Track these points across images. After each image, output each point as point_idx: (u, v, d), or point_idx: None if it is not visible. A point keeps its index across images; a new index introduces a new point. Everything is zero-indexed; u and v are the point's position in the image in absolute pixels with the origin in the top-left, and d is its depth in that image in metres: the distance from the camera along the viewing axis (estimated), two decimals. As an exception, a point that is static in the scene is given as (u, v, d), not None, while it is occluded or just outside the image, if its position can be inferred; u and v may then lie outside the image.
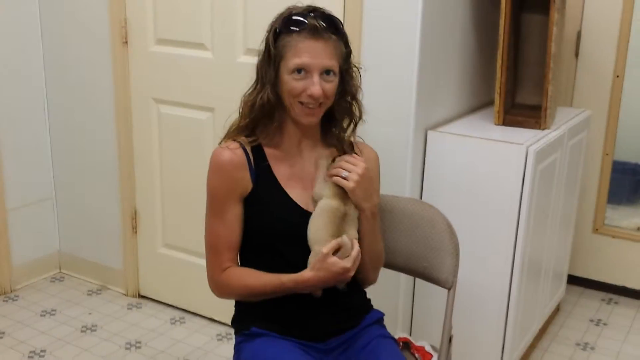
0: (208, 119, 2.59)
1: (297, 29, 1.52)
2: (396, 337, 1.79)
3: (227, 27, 2.46)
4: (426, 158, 2.26)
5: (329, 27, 1.54)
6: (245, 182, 1.60)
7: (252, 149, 1.62)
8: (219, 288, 1.65)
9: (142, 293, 3.00)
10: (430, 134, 2.26)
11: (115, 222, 2.98)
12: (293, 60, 1.52)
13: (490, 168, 2.16)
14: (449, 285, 1.77)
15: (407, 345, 1.81)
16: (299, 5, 1.59)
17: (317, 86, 1.52)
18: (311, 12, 1.54)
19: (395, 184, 2.17)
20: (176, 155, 2.73)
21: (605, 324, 2.90)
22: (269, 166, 1.62)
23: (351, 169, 1.58)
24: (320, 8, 1.58)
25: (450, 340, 1.76)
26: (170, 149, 2.75)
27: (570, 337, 2.79)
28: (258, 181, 1.61)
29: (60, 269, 3.22)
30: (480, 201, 2.19)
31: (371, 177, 1.61)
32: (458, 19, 2.37)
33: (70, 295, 3.00)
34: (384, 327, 1.72)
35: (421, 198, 2.29)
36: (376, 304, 1.79)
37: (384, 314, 1.74)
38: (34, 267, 3.12)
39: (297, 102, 1.55)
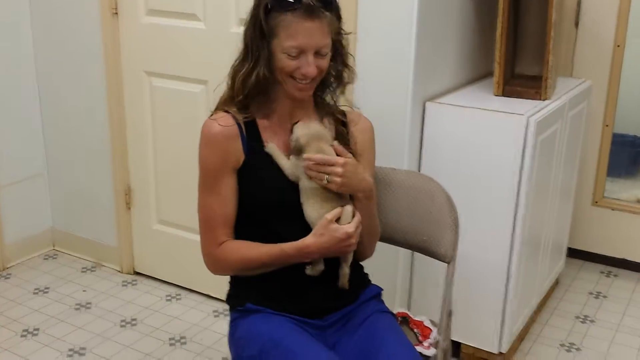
0: (201, 92, 2.54)
1: (291, 8, 1.46)
2: (395, 312, 1.76)
3: (220, -3, 2.40)
4: (424, 130, 2.22)
5: (324, 3, 1.48)
6: (237, 153, 1.56)
7: (244, 117, 1.58)
8: (215, 263, 1.61)
9: (137, 270, 2.96)
10: (428, 105, 2.21)
11: (108, 198, 2.93)
12: (288, 41, 1.47)
13: (490, 139, 2.12)
14: (448, 259, 1.73)
15: (405, 320, 1.78)
16: None
17: (312, 66, 1.49)
18: None
19: (393, 156, 2.13)
20: (169, 129, 2.68)
21: (604, 297, 2.88)
22: (260, 137, 1.57)
23: (329, 170, 1.50)
24: None
25: (449, 315, 1.73)
26: (164, 123, 2.69)
27: (570, 310, 2.77)
28: (250, 152, 1.57)
29: (53, 246, 3.18)
30: (479, 173, 2.15)
31: (355, 164, 1.54)
32: (457, -13, 2.31)
33: (64, 272, 2.97)
34: (382, 302, 1.68)
35: (419, 170, 2.24)
36: (374, 278, 1.75)
37: (382, 289, 1.70)
38: (26, 244, 3.07)
39: (290, 78, 1.52)
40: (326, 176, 1.50)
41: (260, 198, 1.56)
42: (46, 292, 2.79)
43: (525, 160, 2.09)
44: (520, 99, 2.29)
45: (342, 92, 1.67)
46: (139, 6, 2.60)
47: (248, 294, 1.60)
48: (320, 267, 1.55)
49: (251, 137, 1.57)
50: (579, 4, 2.92)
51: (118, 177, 2.87)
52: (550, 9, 2.25)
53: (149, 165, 2.78)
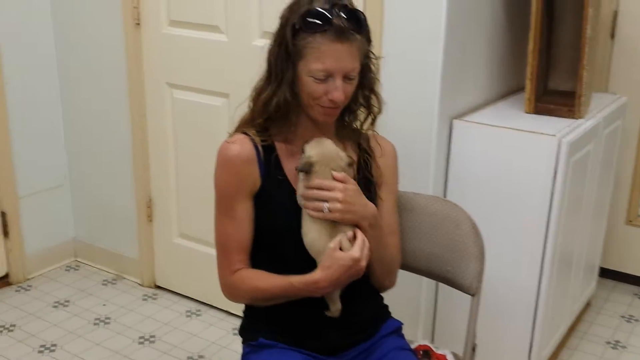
0: (223, 105, 2.48)
1: (321, 30, 1.38)
2: (417, 344, 1.68)
3: (242, 9, 2.35)
4: (451, 149, 2.13)
5: (354, 25, 1.40)
6: (254, 177, 1.50)
7: (262, 140, 1.51)
8: (229, 291, 1.56)
9: (158, 283, 2.93)
10: (455, 123, 2.12)
11: (130, 210, 2.90)
12: (316, 64, 1.40)
13: (520, 160, 2.03)
14: (472, 292, 1.65)
15: (427, 353, 1.69)
16: None
17: (340, 91, 1.42)
18: (334, 6, 1.39)
19: (418, 177, 2.05)
20: (191, 142, 2.64)
21: (637, 321, 2.77)
22: (278, 162, 1.51)
23: (327, 196, 1.41)
24: (343, 0, 1.42)
25: (474, 349, 1.65)
26: (185, 136, 2.65)
27: (601, 335, 2.66)
28: (267, 177, 1.50)
29: (75, 257, 3.16)
30: (508, 195, 2.06)
31: (356, 190, 1.45)
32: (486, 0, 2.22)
33: (85, 285, 2.94)
34: (402, 337, 1.60)
35: (445, 192, 2.16)
36: (396, 308, 1.68)
37: (402, 324, 1.62)
38: (48, 255, 3.06)
39: (316, 102, 1.45)
40: (325, 204, 1.41)
41: (272, 224, 1.50)
42: (66, 306, 2.77)
43: (556, 182, 2.00)
44: (553, 117, 2.20)
45: (372, 124, 1.59)
46: (162, 17, 2.56)
47: (261, 327, 1.54)
48: (338, 306, 1.47)
49: (269, 162, 1.51)
50: (615, 16, 2.81)
51: (139, 189, 2.83)
52: (585, 23, 2.15)
53: (170, 177, 2.75)
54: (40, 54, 2.88)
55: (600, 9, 2.45)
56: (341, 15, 1.38)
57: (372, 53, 1.52)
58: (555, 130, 2.02)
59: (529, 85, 2.23)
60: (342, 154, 1.46)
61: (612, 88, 2.84)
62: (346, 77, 1.43)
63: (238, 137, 1.52)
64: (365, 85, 1.51)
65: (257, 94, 1.51)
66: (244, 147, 1.50)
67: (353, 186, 1.45)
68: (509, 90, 2.50)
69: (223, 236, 1.53)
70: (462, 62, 2.13)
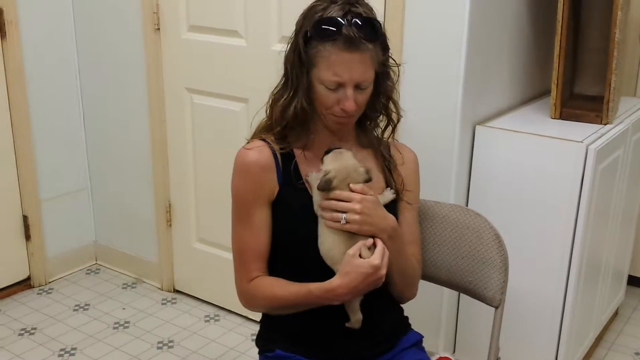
0: (242, 110, 2.46)
1: (331, 38, 1.35)
2: (437, 356, 1.64)
3: (261, 14, 2.32)
4: (474, 156, 2.09)
5: (367, 34, 1.36)
6: (272, 184, 1.47)
7: (281, 148, 1.49)
8: (246, 299, 1.53)
9: (177, 288, 2.92)
10: (478, 129, 2.08)
11: (149, 214, 2.89)
12: (326, 73, 1.37)
13: (545, 167, 1.98)
14: (496, 304, 1.60)
15: (448, 366, 1.66)
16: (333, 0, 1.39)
17: (351, 101, 1.39)
18: (347, 14, 1.36)
19: (439, 185, 2.01)
20: (210, 147, 2.62)
21: (667, 331, 2.69)
22: (297, 169, 1.48)
23: (346, 207, 1.39)
24: (358, 8, 1.38)
25: (497, 363, 1.60)
26: (204, 141, 2.64)
27: (630, 346, 2.59)
28: (285, 184, 1.47)
29: (96, 261, 3.16)
30: (533, 203, 2.01)
31: (374, 201, 1.42)
32: (510, 1, 2.17)
33: (105, 288, 2.94)
34: (423, 350, 1.57)
35: (468, 200, 2.12)
36: (417, 318, 1.64)
37: (422, 336, 1.58)
38: (69, 258, 3.06)
39: (328, 111, 1.42)
40: (343, 215, 1.38)
41: (290, 232, 1.47)
42: (86, 309, 2.77)
43: (584, 190, 1.94)
44: (580, 123, 2.14)
45: (392, 134, 1.56)
46: (181, 22, 2.54)
47: (278, 338, 1.52)
48: (359, 316, 1.44)
49: (287, 169, 1.48)
50: (644, 17, 2.73)
51: (159, 194, 2.83)
52: (614, 26, 2.09)
53: (189, 182, 2.73)
54: (61, 59, 2.89)
55: (629, 12, 2.38)
56: (353, 24, 1.34)
57: (392, 59, 1.48)
58: (582, 137, 1.97)
59: (554, 89, 2.17)
60: (361, 169, 1.43)
61: (641, 92, 2.77)
62: (358, 87, 1.40)
63: (256, 144, 1.49)
64: (381, 93, 1.48)
65: (275, 101, 1.49)
66: (262, 153, 1.47)
67: (372, 197, 1.41)
68: (534, 95, 2.44)
69: (240, 244, 1.51)
70: (485, 67, 2.08)
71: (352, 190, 1.40)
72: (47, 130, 2.88)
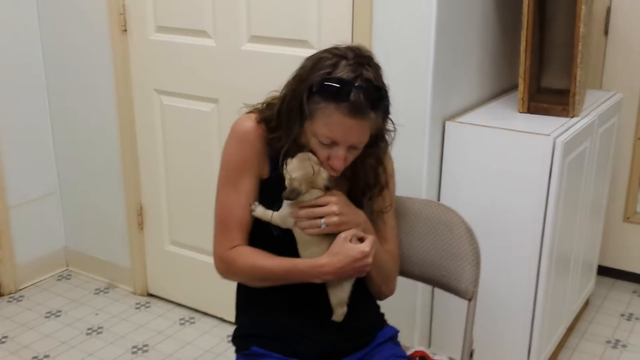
0: (212, 111, 2.45)
1: (335, 101, 1.32)
2: (413, 350, 1.66)
3: (230, 14, 2.31)
4: (444, 152, 2.10)
5: (373, 104, 1.34)
6: (264, 162, 1.46)
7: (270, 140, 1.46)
8: (225, 265, 1.49)
9: (151, 291, 2.89)
10: (448, 124, 2.09)
11: (121, 218, 2.86)
12: (323, 129, 1.36)
13: (514, 161, 2.00)
14: (469, 296, 1.62)
15: (424, 359, 1.67)
16: (343, 55, 1.35)
17: (341, 161, 1.39)
18: (357, 77, 1.32)
19: (411, 181, 2.02)
20: (181, 148, 2.60)
21: (637, 319, 2.74)
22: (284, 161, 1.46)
23: (324, 212, 1.40)
24: (369, 72, 1.34)
25: (471, 355, 1.62)
26: (175, 142, 2.62)
27: (601, 334, 2.64)
28: (272, 171, 1.46)
29: (67, 266, 3.12)
30: (503, 196, 2.03)
31: (345, 199, 1.43)
32: (477, -2, 2.19)
33: (77, 294, 2.90)
34: (398, 344, 1.58)
35: (439, 194, 2.13)
36: (392, 313, 1.65)
37: (398, 331, 1.60)
38: (39, 265, 3.02)
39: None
40: (322, 220, 1.39)
41: (265, 232, 1.47)
42: (58, 316, 2.73)
43: (552, 182, 1.97)
44: (547, 116, 2.17)
45: (379, 195, 1.54)
46: (148, 23, 2.52)
47: (254, 334, 1.51)
48: (345, 309, 1.46)
49: (275, 158, 1.45)
50: (608, 12, 2.78)
51: (130, 196, 2.80)
52: (578, 21, 2.12)
53: (160, 184, 2.71)
54: (27, 62, 2.84)
55: (593, 6, 2.42)
56: (361, 91, 1.31)
57: (391, 120, 1.46)
58: (550, 130, 1.99)
59: (522, 84, 2.20)
60: (324, 174, 1.42)
61: (606, 85, 2.82)
62: (351, 147, 1.39)
63: (255, 118, 1.47)
64: (372, 155, 1.47)
65: (269, 109, 1.46)
66: (261, 127, 1.46)
67: (342, 196, 1.43)
68: (502, 89, 2.47)
69: (224, 210, 1.48)
70: (454, 63, 2.10)
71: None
72: (13, 135, 2.84)
